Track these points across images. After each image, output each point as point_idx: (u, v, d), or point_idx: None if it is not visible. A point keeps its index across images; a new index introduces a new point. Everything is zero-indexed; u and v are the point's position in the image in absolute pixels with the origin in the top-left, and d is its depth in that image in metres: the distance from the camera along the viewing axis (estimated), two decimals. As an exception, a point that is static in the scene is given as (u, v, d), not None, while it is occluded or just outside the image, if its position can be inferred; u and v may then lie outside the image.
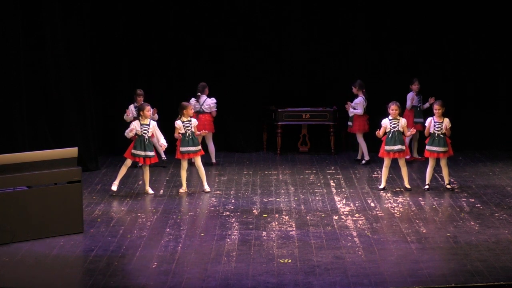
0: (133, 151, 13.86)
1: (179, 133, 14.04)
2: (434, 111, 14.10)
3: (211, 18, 17.65)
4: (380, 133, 14.14)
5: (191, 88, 16.89)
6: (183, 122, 14.09)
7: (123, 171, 14.06)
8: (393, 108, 14.13)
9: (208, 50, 17.70)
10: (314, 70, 17.91)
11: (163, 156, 16.23)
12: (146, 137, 13.89)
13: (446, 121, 14.06)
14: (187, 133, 14.08)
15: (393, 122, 14.10)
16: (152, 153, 13.93)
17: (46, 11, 15.40)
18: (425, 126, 14.49)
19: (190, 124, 14.10)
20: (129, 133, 13.89)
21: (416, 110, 16.48)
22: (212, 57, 17.72)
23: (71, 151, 11.81)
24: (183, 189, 14.25)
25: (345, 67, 17.75)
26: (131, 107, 15.82)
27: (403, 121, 14.19)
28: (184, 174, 14.25)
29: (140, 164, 14.62)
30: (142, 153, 13.87)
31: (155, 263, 10.43)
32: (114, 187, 14.05)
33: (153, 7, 17.50)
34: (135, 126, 13.87)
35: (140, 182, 14.82)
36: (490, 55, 17.70)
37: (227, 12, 17.69)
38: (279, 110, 17.46)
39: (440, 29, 17.65)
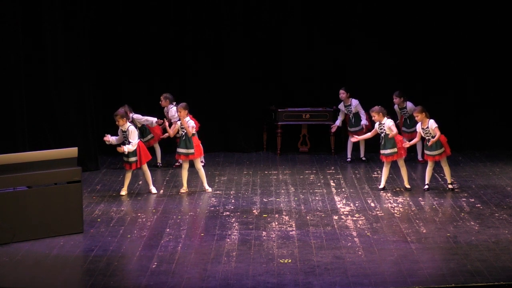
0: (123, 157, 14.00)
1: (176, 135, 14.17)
2: (417, 117, 14.07)
3: (211, 18, 17.65)
4: (369, 135, 14.28)
5: (191, 89, 16.90)
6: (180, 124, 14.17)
7: (127, 176, 14.06)
8: (373, 114, 14.16)
9: (208, 50, 17.69)
10: (314, 70, 17.90)
11: (159, 162, 16.24)
12: (127, 142, 13.88)
13: (431, 123, 13.97)
14: (182, 135, 14.12)
15: (380, 127, 14.12)
16: (134, 158, 13.87)
17: (46, 12, 15.41)
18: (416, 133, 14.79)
19: (182, 126, 14.13)
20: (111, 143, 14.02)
21: (404, 121, 16.35)
22: (212, 57, 17.70)
23: (71, 151, 11.81)
24: (184, 189, 14.26)
25: (345, 67, 17.72)
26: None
27: (388, 123, 14.10)
28: (185, 174, 14.26)
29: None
30: (125, 159, 13.91)
31: (155, 263, 10.43)
32: (123, 193, 14.06)
33: (153, 8, 17.49)
34: (119, 133, 13.96)
35: (140, 182, 14.82)
36: (489, 56, 17.68)
37: (227, 12, 17.68)
38: (279, 110, 17.45)
39: (440, 32, 17.63)
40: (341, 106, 16.68)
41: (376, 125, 14.20)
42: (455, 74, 17.73)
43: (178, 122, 14.17)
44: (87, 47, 15.90)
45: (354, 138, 15.13)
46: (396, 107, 16.37)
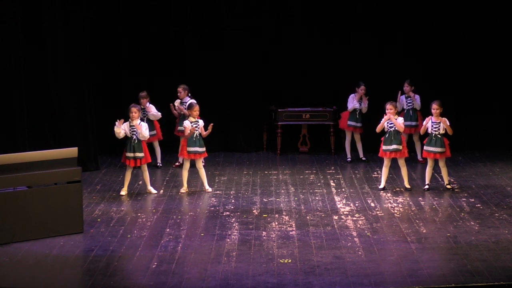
0: (125, 154, 13.90)
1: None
2: (432, 110, 14.10)
3: (211, 18, 17.65)
4: (378, 128, 14.19)
5: (191, 88, 16.87)
6: (191, 122, 14.13)
7: (127, 176, 14.06)
8: (388, 107, 14.14)
9: (208, 50, 17.69)
10: (314, 70, 17.89)
11: (159, 162, 16.24)
12: (135, 137, 13.88)
13: (443, 120, 14.04)
14: (194, 134, 14.10)
15: (390, 122, 14.11)
16: (141, 154, 13.92)
17: (46, 12, 15.40)
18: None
19: (198, 125, 14.12)
20: (118, 133, 13.90)
21: (406, 113, 16.37)
22: (212, 57, 17.70)
23: (71, 151, 11.81)
24: (184, 189, 14.26)
25: (345, 67, 17.72)
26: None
27: (399, 120, 14.18)
28: (185, 174, 14.26)
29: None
30: (131, 154, 13.88)
31: (155, 263, 10.43)
32: (123, 193, 14.05)
33: (153, 8, 17.49)
34: (124, 127, 13.86)
35: (140, 182, 14.81)
36: (489, 56, 17.68)
37: (227, 12, 17.68)
38: (279, 110, 17.45)
39: (440, 31, 17.63)
40: (353, 97, 16.53)
41: (384, 119, 14.13)
42: (455, 74, 17.72)
43: (187, 121, 14.10)
44: (87, 47, 15.89)
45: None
46: (402, 98, 16.31)
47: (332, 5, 17.75)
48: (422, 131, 14.28)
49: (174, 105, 15.95)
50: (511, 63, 17.68)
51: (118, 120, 13.90)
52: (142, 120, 15.37)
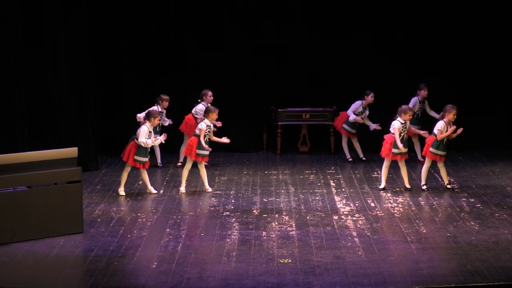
0: (136, 157, 13.81)
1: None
2: (453, 116, 13.96)
3: (211, 18, 17.66)
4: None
5: (192, 89, 16.88)
6: (207, 125, 14.12)
7: (125, 176, 14.05)
8: (411, 114, 14.14)
9: (208, 51, 17.69)
10: (314, 70, 17.90)
11: (159, 162, 16.23)
12: (152, 138, 13.92)
13: (453, 128, 14.05)
14: (206, 138, 14.11)
15: (404, 126, 14.12)
16: (148, 157, 14.02)
17: (46, 12, 15.40)
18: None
19: (210, 129, 14.14)
20: (154, 142, 13.85)
21: (416, 116, 16.34)
22: (212, 57, 17.70)
23: (71, 151, 11.81)
24: (184, 188, 14.26)
25: (345, 67, 17.73)
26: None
27: (408, 124, 14.22)
28: (186, 174, 14.26)
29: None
30: (145, 159, 13.87)
31: (155, 263, 10.43)
32: (122, 192, 14.05)
33: (153, 8, 17.49)
34: (148, 132, 13.80)
35: (140, 182, 14.81)
36: (489, 56, 17.69)
37: (227, 12, 17.68)
38: (279, 110, 17.46)
39: (440, 31, 17.64)
40: (359, 104, 16.49)
41: (400, 124, 14.06)
42: (454, 73, 17.73)
43: (204, 125, 14.08)
44: (87, 47, 15.90)
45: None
46: (415, 99, 16.28)
47: (332, 5, 17.76)
48: (441, 137, 14.08)
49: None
50: (511, 63, 17.69)
51: (162, 135, 14.02)
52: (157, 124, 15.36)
